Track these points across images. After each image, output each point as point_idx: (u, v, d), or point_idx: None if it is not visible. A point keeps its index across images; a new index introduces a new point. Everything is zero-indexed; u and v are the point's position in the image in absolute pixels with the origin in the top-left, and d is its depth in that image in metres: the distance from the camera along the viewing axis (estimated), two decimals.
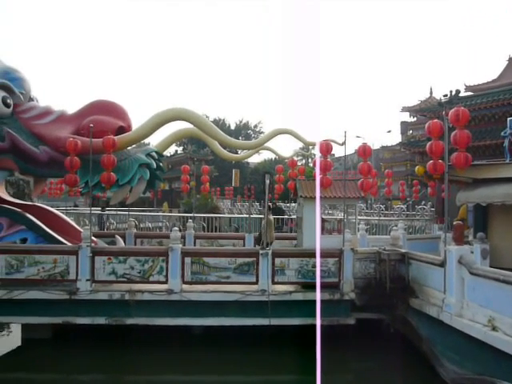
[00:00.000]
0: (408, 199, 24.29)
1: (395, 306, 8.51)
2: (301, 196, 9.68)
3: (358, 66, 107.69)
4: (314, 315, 8.24)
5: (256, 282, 8.63)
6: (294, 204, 22.50)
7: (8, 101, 10.15)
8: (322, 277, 8.70)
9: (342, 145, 9.85)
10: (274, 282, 8.68)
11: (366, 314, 8.75)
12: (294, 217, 17.60)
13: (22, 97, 10.58)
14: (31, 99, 11.15)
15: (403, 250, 9.05)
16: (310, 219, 9.26)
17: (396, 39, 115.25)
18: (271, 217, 10.64)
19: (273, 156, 57.48)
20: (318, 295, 8.16)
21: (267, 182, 9.03)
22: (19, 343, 8.69)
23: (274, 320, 8.47)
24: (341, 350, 8.24)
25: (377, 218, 18.75)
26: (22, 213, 9.98)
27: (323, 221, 9.97)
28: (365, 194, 10.61)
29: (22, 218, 9.85)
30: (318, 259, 8.56)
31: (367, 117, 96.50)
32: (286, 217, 18.58)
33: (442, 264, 7.39)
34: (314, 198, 9.19)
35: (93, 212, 18.27)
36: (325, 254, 8.78)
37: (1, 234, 9.29)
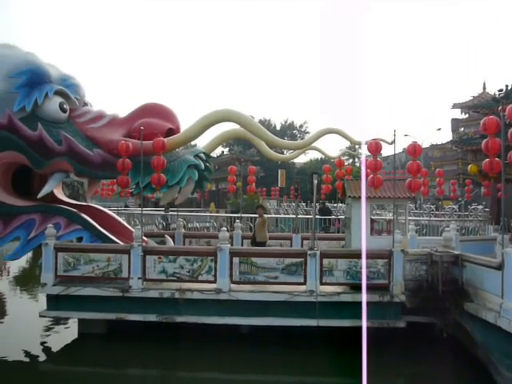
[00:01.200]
0: (460, 199, 23.47)
1: (448, 309, 8.21)
2: (349, 196, 9.55)
3: (407, 63, 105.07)
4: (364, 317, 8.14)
5: (304, 283, 8.59)
6: (340, 204, 22.24)
7: (64, 106, 10.62)
8: (371, 278, 8.57)
9: (392, 144, 9.66)
10: (322, 283, 8.61)
11: (417, 317, 8.51)
12: (341, 217, 17.40)
13: (77, 102, 11.05)
14: (85, 104, 11.63)
15: (456, 252, 8.74)
16: (358, 219, 9.12)
17: (446, 33, 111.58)
18: (265, 217, 11.13)
19: (319, 156, 57.08)
20: (363, 297, 8.00)
21: (315, 182, 8.98)
22: (76, 337, 9.04)
23: (322, 321, 8.41)
24: (391, 354, 8.05)
25: (427, 218, 18.24)
26: (78, 213, 10.40)
27: (372, 221, 9.79)
28: (414, 193, 10.33)
29: (77, 217, 10.27)
30: (363, 260, 8.42)
31: (416, 114, 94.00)
32: (333, 217, 18.39)
33: (500, 267, 7.07)
34: (359, 197, 9.04)
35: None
36: (374, 255, 8.63)
37: (59, 233, 9.69)
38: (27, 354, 8.32)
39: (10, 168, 10.85)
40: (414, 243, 11.13)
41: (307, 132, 65.47)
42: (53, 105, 10.40)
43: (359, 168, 11.65)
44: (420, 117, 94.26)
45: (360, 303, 8.06)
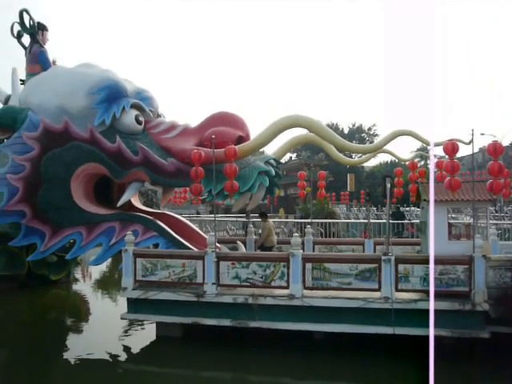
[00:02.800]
0: None
1: None
2: (424, 200, 9.21)
3: (482, 58, 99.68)
4: (442, 326, 7.79)
5: (378, 289, 8.36)
6: (413, 208, 21.49)
7: (140, 118, 11.16)
8: (450, 285, 8.19)
9: (469, 144, 9.18)
10: (397, 290, 8.33)
11: (503, 328, 7.99)
12: (415, 221, 16.80)
13: (151, 114, 11.58)
14: (159, 115, 12.15)
15: None
16: (434, 224, 8.75)
17: None
18: (271, 222, 11.34)
19: (389, 159, 55.52)
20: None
21: (388, 185, 8.74)
22: (154, 339, 9.37)
23: (398, 329, 8.14)
24: (472, 366, 7.64)
25: (509, 222, 17.16)
26: (154, 220, 10.85)
27: (450, 225, 9.35)
28: (496, 196, 9.75)
29: (154, 224, 10.72)
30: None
31: (493, 112, 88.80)
32: (406, 221, 17.81)
33: None
34: (440, 201, 8.67)
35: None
36: (453, 261, 8.24)
37: (137, 240, 10.15)
38: (109, 353, 8.73)
39: (92, 179, 11.57)
40: (496, 248, 10.47)
41: (376, 135, 63.94)
42: (129, 117, 10.97)
43: (435, 170, 11.16)
44: (498, 114, 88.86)
45: (439, 311, 7.71)
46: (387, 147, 11.49)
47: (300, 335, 8.62)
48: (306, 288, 8.58)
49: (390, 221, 9.92)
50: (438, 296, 7.98)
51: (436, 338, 7.39)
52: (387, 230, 9.04)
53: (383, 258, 8.35)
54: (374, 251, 11.43)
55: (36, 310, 13.05)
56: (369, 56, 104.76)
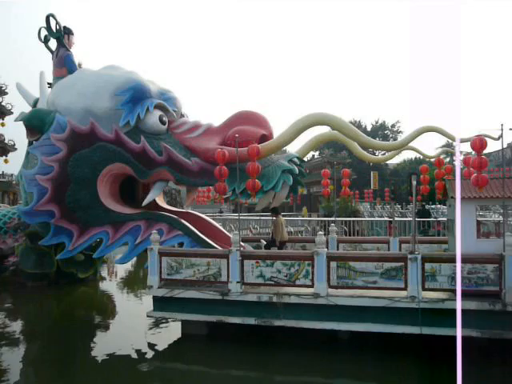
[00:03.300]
0: None
1: None
2: (452, 197, 9.04)
3: (501, 51, 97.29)
4: (472, 326, 7.65)
5: (404, 288, 8.25)
6: (439, 205, 21.13)
7: (164, 119, 11.28)
8: (479, 285, 8.02)
9: (498, 139, 8.97)
10: (424, 289, 8.20)
11: None
12: (441, 219, 16.52)
13: (174, 114, 11.68)
14: (182, 115, 12.26)
15: None
16: (462, 221, 8.58)
17: None
18: (282, 218, 11.36)
19: (413, 156, 54.78)
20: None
21: (414, 183, 8.60)
22: (179, 337, 9.46)
23: (425, 329, 8.01)
24: (503, 369, 7.47)
25: None
26: (179, 219, 10.95)
27: (478, 223, 9.16)
28: None
29: (178, 223, 10.82)
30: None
31: None
32: (432, 219, 17.52)
33: None
34: (468, 198, 8.50)
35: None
36: (482, 260, 8.06)
37: (162, 239, 10.26)
38: (135, 350, 8.83)
39: (117, 179, 11.76)
40: None
41: (400, 132, 63.13)
42: (153, 118, 11.10)
43: (462, 167, 10.95)
44: None
45: (467, 311, 7.58)
46: (412, 144, 11.32)
47: (324, 334, 8.58)
48: (330, 287, 8.53)
49: (416, 219, 9.75)
50: (466, 295, 7.86)
51: (466, 338, 7.24)
52: (413, 228, 8.90)
53: (409, 256, 8.23)
54: (400, 250, 11.29)
55: (65, 306, 13.34)
56: (392, 51, 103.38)
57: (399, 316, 8.21)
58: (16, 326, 11.25)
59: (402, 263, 8.28)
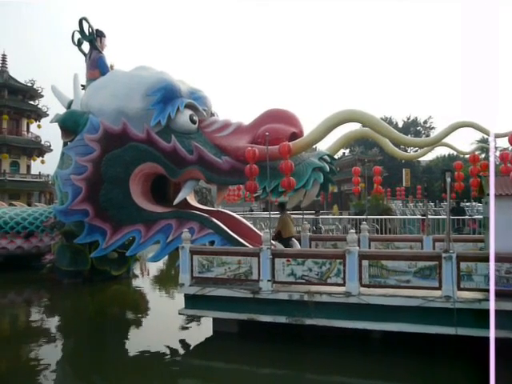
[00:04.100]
0: None
1: None
2: (487, 194, 8.77)
3: None
4: (510, 327, 7.40)
5: (439, 288, 8.05)
6: (474, 203, 20.59)
7: (194, 118, 11.37)
8: None
9: None
10: (459, 288, 7.98)
11: None
12: (476, 217, 16.10)
13: (204, 113, 11.76)
14: (212, 114, 12.32)
15: None
16: (500, 219, 8.31)
17: None
18: (288, 214, 11.39)
19: (447, 152, 53.63)
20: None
21: (448, 180, 8.38)
22: (210, 334, 9.54)
23: (460, 330, 7.79)
24: None
25: None
26: (210, 218, 11.02)
27: None
28: None
29: (209, 222, 10.89)
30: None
31: None
32: (467, 217, 17.07)
33: None
34: (506, 195, 8.23)
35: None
36: None
37: (193, 237, 10.35)
38: (167, 347, 8.93)
39: (149, 178, 11.92)
40: None
41: (432, 128, 61.86)
42: (184, 117, 11.20)
43: (499, 163, 10.61)
44: None
45: (507, 312, 7.36)
46: (446, 140, 11.05)
47: (356, 334, 8.48)
48: (362, 285, 8.41)
49: (451, 217, 9.50)
50: (504, 296, 7.62)
51: (504, 341, 7.05)
52: (447, 226, 8.67)
53: (444, 255, 8.04)
54: (433, 248, 11.05)
55: (99, 303, 13.63)
56: (423, 46, 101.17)
57: (433, 316, 8.02)
58: (53, 322, 11.60)
59: (436, 262, 8.09)
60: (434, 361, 7.89)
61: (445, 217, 15.73)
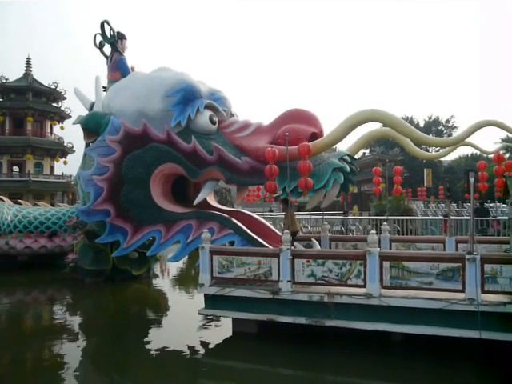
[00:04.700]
0: None
1: None
2: None
3: None
4: None
5: (462, 290, 7.88)
6: (499, 204, 20.18)
7: (214, 118, 11.40)
8: None
9: None
10: (483, 291, 7.80)
11: None
12: (501, 218, 15.76)
13: (224, 114, 11.78)
14: (232, 115, 12.34)
15: None
16: None
17: None
18: (291, 213, 10.77)
19: (469, 152, 52.72)
20: None
21: (471, 180, 8.22)
22: (230, 334, 9.55)
23: (484, 333, 7.60)
24: None
25: None
26: (229, 218, 11.04)
27: None
28: None
29: (229, 222, 10.90)
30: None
31: None
32: (491, 218, 16.73)
33: None
34: None
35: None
36: None
37: (213, 237, 10.37)
38: (187, 346, 8.98)
39: (169, 178, 12.00)
40: None
41: (454, 127, 60.86)
42: (204, 118, 11.24)
43: None
44: None
45: None
46: (469, 139, 10.84)
47: (376, 336, 8.38)
48: (383, 287, 8.30)
49: (474, 218, 9.30)
50: None
51: None
52: (471, 227, 8.51)
53: (467, 256, 7.88)
54: (456, 250, 10.86)
55: (120, 302, 13.80)
56: (445, 45, 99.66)
57: (456, 319, 7.86)
58: (75, 321, 11.77)
59: (460, 264, 7.93)
60: (456, 365, 7.75)
61: (468, 218, 15.44)
